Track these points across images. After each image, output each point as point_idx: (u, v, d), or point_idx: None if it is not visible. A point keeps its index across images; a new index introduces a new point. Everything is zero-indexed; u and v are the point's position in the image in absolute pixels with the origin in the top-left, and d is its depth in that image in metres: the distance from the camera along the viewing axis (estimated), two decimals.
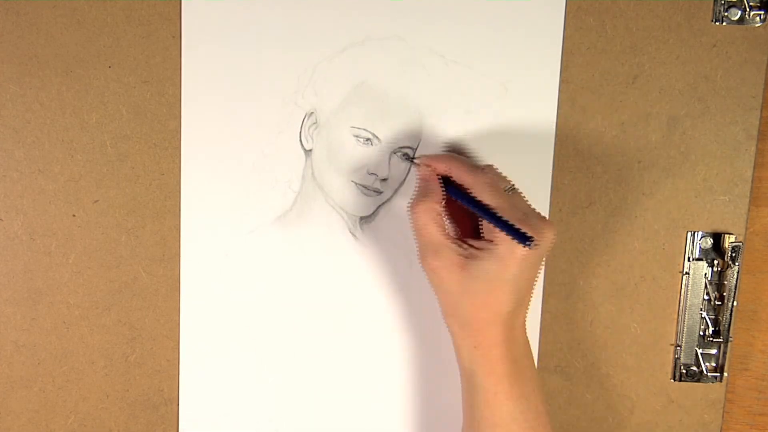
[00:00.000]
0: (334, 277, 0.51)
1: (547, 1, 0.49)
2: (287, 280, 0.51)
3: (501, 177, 0.46)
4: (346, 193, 0.51)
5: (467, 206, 0.46)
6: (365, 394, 0.53)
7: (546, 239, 0.43)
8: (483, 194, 0.44)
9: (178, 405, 0.52)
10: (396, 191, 0.51)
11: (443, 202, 0.46)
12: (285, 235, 0.51)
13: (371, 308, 0.52)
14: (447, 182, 0.47)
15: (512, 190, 0.45)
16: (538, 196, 0.51)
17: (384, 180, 0.50)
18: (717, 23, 0.50)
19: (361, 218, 0.51)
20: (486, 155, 0.50)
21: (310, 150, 0.50)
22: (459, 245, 0.45)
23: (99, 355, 0.52)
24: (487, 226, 0.45)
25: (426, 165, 0.48)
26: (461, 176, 0.46)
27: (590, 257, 0.52)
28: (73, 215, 0.50)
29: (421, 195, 0.46)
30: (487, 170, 0.46)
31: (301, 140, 0.50)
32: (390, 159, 0.50)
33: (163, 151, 0.50)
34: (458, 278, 0.44)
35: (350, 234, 0.51)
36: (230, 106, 0.49)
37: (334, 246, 0.51)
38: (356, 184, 0.50)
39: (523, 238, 0.41)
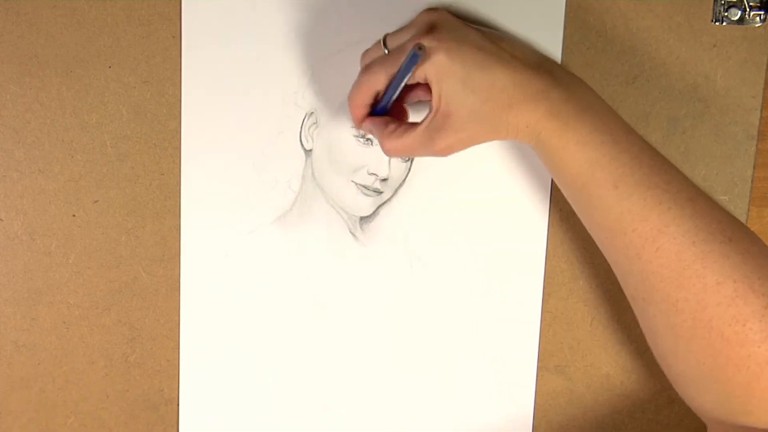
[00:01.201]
0: (334, 277, 0.51)
1: (547, 1, 0.49)
2: (287, 280, 0.51)
3: (371, 50, 0.46)
4: (346, 193, 0.51)
5: (394, 95, 0.44)
6: (365, 393, 0.53)
7: (434, 28, 0.42)
8: (375, 81, 0.43)
9: (178, 405, 0.52)
10: (396, 191, 0.51)
11: (395, 121, 0.45)
12: (285, 235, 0.51)
13: (371, 308, 0.52)
14: (377, 109, 0.46)
15: (385, 40, 0.44)
16: (539, 196, 0.51)
17: (384, 180, 0.50)
18: (717, 23, 0.50)
19: (361, 218, 0.51)
20: (486, 155, 0.50)
21: (310, 150, 0.50)
22: (428, 117, 0.43)
23: (99, 355, 0.52)
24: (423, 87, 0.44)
25: (359, 125, 0.46)
26: (363, 95, 0.45)
27: (590, 257, 0.52)
28: (73, 215, 0.50)
29: (379, 138, 0.45)
30: (364, 68, 0.45)
31: (301, 140, 0.50)
32: (390, 159, 0.50)
33: (163, 151, 0.50)
34: (458, 122, 0.42)
35: (350, 234, 0.51)
36: (230, 106, 0.49)
37: (334, 246, 0.51)
38: (356, 184, 0.50)
39: (412, 57, 0.40)
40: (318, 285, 0.52)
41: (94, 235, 0.50)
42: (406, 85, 0.43)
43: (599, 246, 0.44)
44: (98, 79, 0.49)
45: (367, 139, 0.50)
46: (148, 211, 0.50)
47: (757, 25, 0.50)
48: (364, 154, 0.50)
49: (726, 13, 0.49)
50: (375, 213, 0.51)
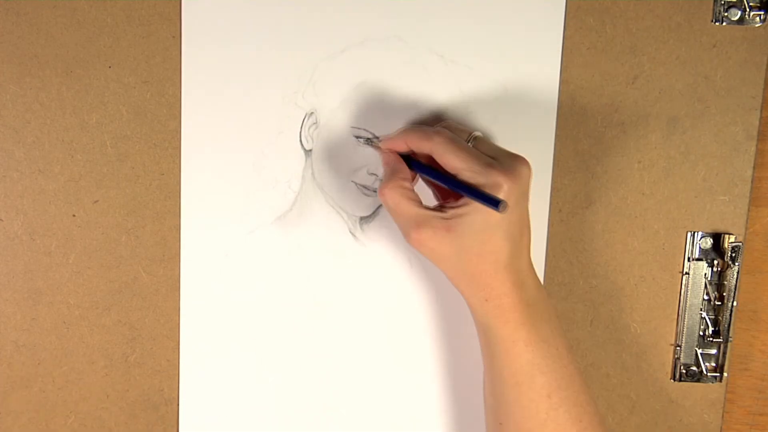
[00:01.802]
0: (334, 277, 0.51)
1: (547, 1, 0.49)
2: (287, 280, 0.51)
3: (459, 130, 0.46)
4: (346, 193, 0.51)
5: (434, 179, 0.45)
6: (365, 393, 0.53)
7: (521, 177, 0.42)
8: (443, 157, 0.43)
9: (178, 405, 0.52)
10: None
11: (411, 180, 0.45)
12: (285, 235, 0.51)
13: (371, 308, 0.52)
14: (411, 159, 0.47)
15: (475, 139, 0.45)
16: (538, 196, 0.51)
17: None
18: (717, 23, 0.50)
19: (361, 218, 0.51)
20: None
21: (310, 150, 0.50)
22: (438, 210, 0.44)
23: (99, 355, 0.52)
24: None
25: (386, 148, 0.47)
26: (420, 146, 0.45)
27: (590, 257, 0.52)
28: (73, 215, 0.50)
29: (387, 177, 0.45)
30: (441, 129, 0.45)
31: (301, 140, 0.50)
32: None
33: (163, 151, 0.50)
34: (448, 241, 0.43)
35: (350, 234, 0.51)
36: (230, 106, 0.49)
37: (334, 246, 0.51)
38: (356, 184, 0.50)
39: (493, 202, 0.40)
40: (318, 285, 0.52)
41: (94, 235, 0.50)
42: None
43: (500, 394, 0.46)
44: (98, 79, 0.49)
45: (368, 140, 0.50)
46: (148, 211, 0.50)
47: (757, 25, 0.50)
48: (364, 154, 0.50)
49: (726, 13, 0.49)
50: (375, 213, 0.51)
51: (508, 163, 0.43)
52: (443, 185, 0.45)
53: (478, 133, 0.45)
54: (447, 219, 0.43)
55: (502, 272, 0.43)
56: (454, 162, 0.43)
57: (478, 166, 0.42)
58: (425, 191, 0.49)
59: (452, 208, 0.43)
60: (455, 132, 0.46)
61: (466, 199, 0.43)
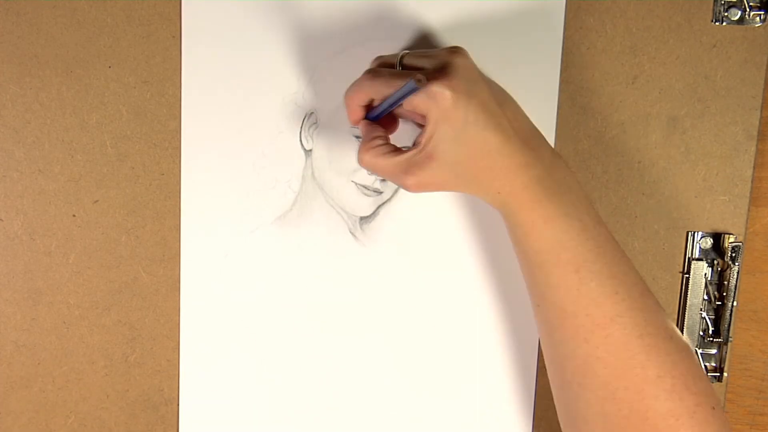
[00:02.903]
0: (333, 277, 0.51)
1: (547, 1, 0.49)
2: (287, 280, 0.51)
3: (388, 58, 0.46)
4: (346, 193, 0.51)
5: (385, 110, 0.45)
6: (365, 393, 0.53)
7: (453, 68, 0.41)
8: (378, 92, 0.43)
9: (178, 405, 0.52)
10: (396, 191, 0.51)
11: (384, 135, 0.45)
12: (285, 235, 0.51)
13: (371, 308, 0.52)
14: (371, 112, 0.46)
15: (402, 58, 0.44)
16: None
17: (384, 180, 0.50)
18: (717, 23, 0.50)
19: (361, 218, 0.51)
20: None
21: (310, 150, 0.50)
22: (413, 148, 0.43)
23: (99, 355, 0.52)
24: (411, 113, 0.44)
25: (351, 120, 0.47)
26: (359, 97, 0.45)
27: None
28: (73, 215, 0.50)
29: (360, 145, 0.45)
30: (368, 70, 0.45)
31: (301, 140, 0.50)
32: None
33: (163, 151, 0.50)
34: (436, 166, 0.42)
35: (350, 234, 0.51)
36: (230, 106, 0.49)
37: (334, 246, 0.51)
38: (356, 184, 0.50)
39: (411, 87, 0.39)
40: (318, 285, 0.52)
41: (94, 235, 0.50)
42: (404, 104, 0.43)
43: (542, 326, 0.45)
44: (98, 79, 0.49)
45: None
46: (148, 211, 0.50)
47: (757, 25, 0.50)
48: None
49: (726, 13, 0.49)
50: (375, 213, 0.51)
51: (437, 63, 0.42)
52: (389, 109, 0.44)
53: (404, 52, 0.45)
54: (423, 149, 0.42)
55: (499, 160, 0.42)
56: (386, 90, 0.43)
57: (404, 81, 0.41)
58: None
59: (420, 137, 0.43)
60: (384, 63, 0.45)
61: (426, 122, 0.42)
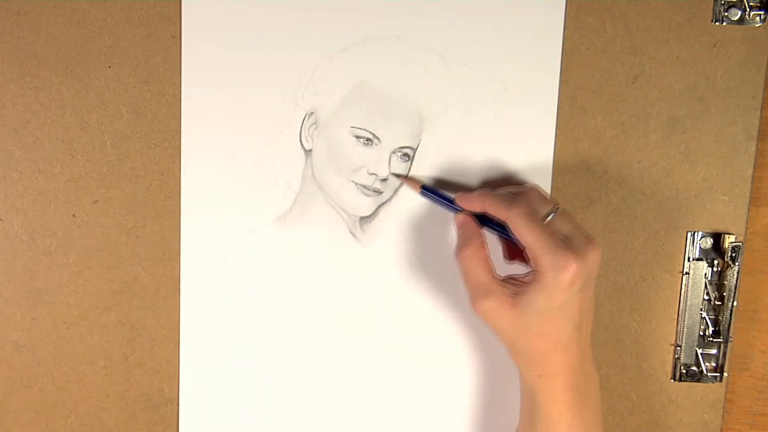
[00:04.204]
0: (334, 277, 0.51)
1: (547, 1, 0.49)
2: (287, 280, 0.51)
3: (540, 201, 0.45)
4: (346, 193, 0.51)
5: (504, 239, 0.47)
6: (365, 393, 0.53)
7: (589, 261, 0.43)
8: (518, 230, 0.44)
9: (178, 405, 0.52)
10: (396, 191, 0.51)
11: (485, 244, 0.47)
12: (285, 235, 0.51)
13: (371, 308, 0.52)
14: (484, 218, 0.48)
15: (554, 213, 0.44)
16: None
17: (384, 180, 0.50)
18: (717, 23, 0.50)
19: (361, 218, 0.51)
20: (486, 155, 0.50)
21: (310, 150, 0.50)
22: (506, 285, 0.45)
23: (99, 355, 0.52)
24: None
25: (462, 207, 0.48)
26: (497, 213, 0.46)
27: None
28: (73, 215, 0.50)
29: (463, 240, 0.47)
30: (521, 199, 0.45)
31: (301, 140, 0.50)
32: (390, 159, 0.50)
33: (163, 151, 0.50)
34: (510, 316, 0.44)
35: (350, 234, 0.51)
36: (230, 107, 0.49)
37: (334, 246, 0.51)
38: (356, 184, 0.50)
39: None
40: (318, 285, 0.51)
41: (94, 235, 0.50)
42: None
43: None
44: (98, 79, 0.49)
45: (367, 140, 0.50)
46: (148, 211, 0.50)
47: (757, 25, 0.50)
48: (364, 154, 0.50)
49: (726, 13, 0.49)
50: (375, 213, 0.51)
51: (580, 244, 0.43)
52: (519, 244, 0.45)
53: (560, 208, 0.45)
54: (513, 294, 0.44)
55: (560, 353, 0.44)
56: (527, 238, 0.43)
57: (549, 245, 0.43)
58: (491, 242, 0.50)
59: (520, 282, 0.45)
60: (537, 202, 0.45)
61: (530, 275, 0.44)
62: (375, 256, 0.51)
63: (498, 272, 0.47)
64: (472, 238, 0.47)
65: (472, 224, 0.48)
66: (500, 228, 0.47)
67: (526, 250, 0.44)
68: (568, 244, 0.43)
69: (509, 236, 0.46)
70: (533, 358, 0.45)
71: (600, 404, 0.47)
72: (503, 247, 0.50)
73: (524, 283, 0.45)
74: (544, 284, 0.43)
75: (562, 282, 0.42)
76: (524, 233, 0.43)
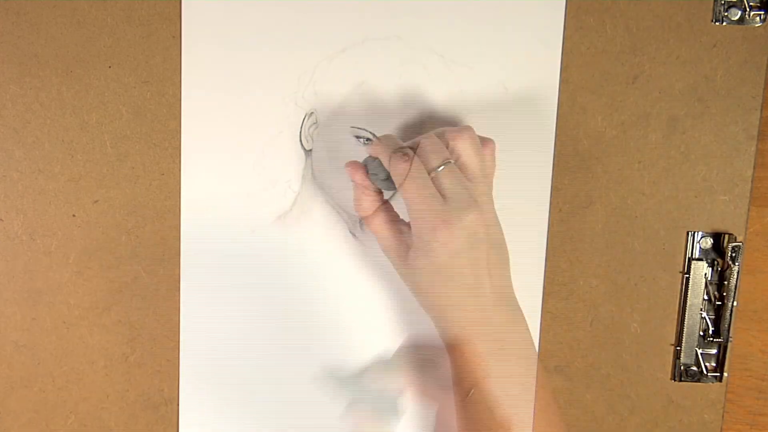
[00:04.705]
0: (334, 277, 0.51)
1: (547, 1, 0.49)
2: (287, 280, 0.51)
3: (434, 151, 0.44)
4: (346, 193, 0.51)
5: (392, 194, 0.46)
6: (365, 393, 0.53)
7: (459, 221, 0.42)
8: (398, 186, 0.44)
9: (178, 405, 0.52)
10: (396, 191, 0.51)
11: (383, 204, 0.47)
12: (285, 235, 0.51)
13: (371, 308, 0.52)
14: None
15: (443, 167, 0.43)
16: (539, 196, 0.51)
17: (385, 180, 0.50)
18: (717, 23, 0.50)
19: (361, 218, 0.51)
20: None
21: (310, 150, 0.50)
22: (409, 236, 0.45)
23: (99, 355, 0.52)
24: None
25: (353, 182, 0.47)
26: (385, 163, 0.45)
27: (590, 257, 0.52)
28: (73, 215, 0.50)
29: (360, 197, 0.47)
30: (409, 153, 0.44)
31: (301, 140, 0.50)
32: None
33: (163, 151, 0.50)
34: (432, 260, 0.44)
35: (350, 234, 0.51)
36: (230, 107, 0.49)
37: (334, 246, 0.51)
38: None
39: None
40: (318, 285, 0.51)
41: (94, 235, 0.50)
42: None
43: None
44: (98, 79, 0.49)
45: (367, 140, 0.50)
46: (148, 211, 0.50)
47: (757, 25, 0.50)
48: (364, 155, 0.50)
49: (726, 13, 0.49)
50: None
51: (457, 204, 0.42)
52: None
53: (449, 163, 0.44)
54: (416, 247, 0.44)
55: (456, 309, 0.44)
56: (403, 195, 0.44)
57: (420, 204, 0.43)
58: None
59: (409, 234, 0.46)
60: (431, 151, 0.44)
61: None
62: (375, 256, 0.51)
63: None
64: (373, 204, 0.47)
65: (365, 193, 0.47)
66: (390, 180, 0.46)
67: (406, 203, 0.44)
68: (444, 204, 0.42)
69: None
70: (436, 310, 0.45)
71: (528, 351, 0.45)
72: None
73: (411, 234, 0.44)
74: (418, 246, 0.43)
75: (433, 245, 0.42)
76: (402, 189, 0.43)
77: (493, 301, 0.44)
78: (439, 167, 0.43)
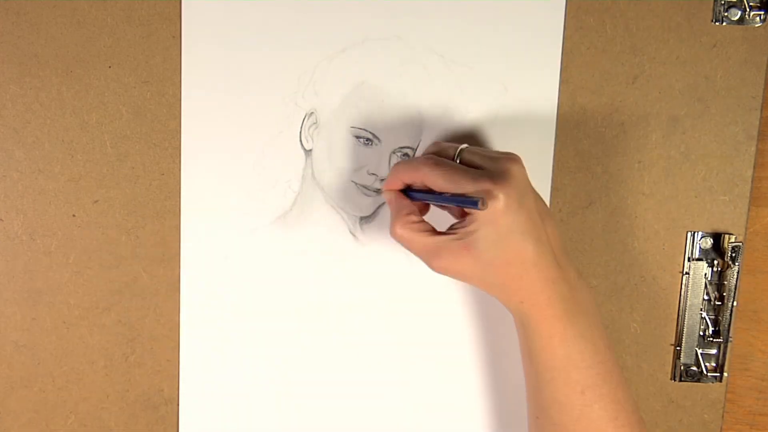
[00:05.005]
0: (333, 277, 0.51)
1: (547, 1, 0.49)
2: (287, 280, 0.51)
3: (446, 147, 0.46)
4: (346, 193, 0.51)
5: (434, 203, 0.46)
6: (365, 393, 0.53)
7: (511, 177, 0.42)
8: (433, 182, 0.44)
9: (178, 405, 0.52)
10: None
11: (418, 211, 0.46)
12: (285, 235, 0.51)
13: (371, 308, 0.52)
14: (411, 190, 0.47)
15: (461, 152, 0.45)
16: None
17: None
18: (717, 23, 0.50)
19: (361, 218, 0.51)
20: None
21: (310, 150, 0.50)
22: (450, 234, 0.44)
23: (99, 355, 0.52)
24: None
25: (384, 190, 0.47)
26: (412, 178, 0.45)
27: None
28: (73, 215, 0.50)
29: (393, 216, 0.46)
30: (427, 157, 0.45)
31: (301, 140, 0.50)
32: (390, 159, 0.50)
33: (163, 151, 0.50)
34: (469, 261, 0.43)
35: (350, 234, 0.51)
36: (230, 107, 0.49)
37: (334, 246, 0.51)
38: (356, 184, 0.50)
39: (473, 203, 0.41)
40: (318, 285, 0.52)
41: (94, 235, 0.50)
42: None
43: (536, 389, 0.46)
44: (98, 79, 0.49)
45: (368, 140, 0.50)
46: (148, 211, 0.50)
47: (757, 25, 0.50)
48: (364, 154, 0.50)
49: (726, 13, 0.49)
50: (375, 213, 0.51)
51: (496, 167, 0.43)
52: (441, 202, 0.45)
53: (463, 146, 0.45)
54: (461, 239, 0.43)
55: (532, 272, 0.43)
56: (441, 183, 0.43)
57: (463, 180, 0.42)
58: (443, 217, 0.49)
59: (462, 227, 0.43)
60: (442, 151, 0.46)
61: (471, 215, 0.43)
62: (375, 256, 0.51)
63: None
64: (400, 209, 0.46)
65: (397, 196, 0.46)
66: (425, 194, 0.46)
67: (445, 202, 0.44)
68: (485, 171, 0.43)
69: (436, 198, 0.45)
70: (509, 288, 0.44)
71: (595, 309, 0.45)
72: (450, 211, 0.49)
73: (466, 225, 0.43)
74: (481, 218, 0.42)
75: (497, 209, 0.42)
76: (440, 182, 0.43)
77: (557, 259, 0.44)
78: (457, 153, 0.45)
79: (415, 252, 0.45)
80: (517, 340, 0.52)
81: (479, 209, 0.40)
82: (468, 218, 0.43)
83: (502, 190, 0.42)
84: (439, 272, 0.44)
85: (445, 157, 0.45)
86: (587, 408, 0.43)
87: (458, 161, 0.45)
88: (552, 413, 0.44)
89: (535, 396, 0.46)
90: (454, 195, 0.43)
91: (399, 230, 0.45)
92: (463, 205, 0.42)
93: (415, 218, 0.45)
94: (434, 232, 0.44)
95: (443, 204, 0.46)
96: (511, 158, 0.44)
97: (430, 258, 0.44)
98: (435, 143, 0.48)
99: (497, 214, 0.42)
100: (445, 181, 0.43)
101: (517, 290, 0.43)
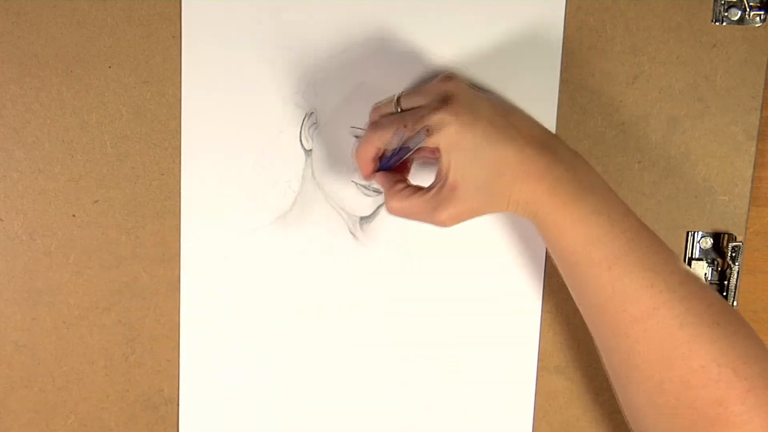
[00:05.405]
0: (333, 277, 0.51)
1: (547, 1, 0.49)
2: (287, 280, 0.51)
3: (384, 105, 0.46)
4: (346, 193, 0.51)
5: (399, 161, 0.45)
6: (365, 393, 0.53)
7: (449, 97, 0.42)
8: (384, 143, 0.44)
9: (178, 405, 0.52)
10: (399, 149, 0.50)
11: (403, 179, 0.46)
12: (285, 235, 0.51)
13: (371, 308, 0.52)
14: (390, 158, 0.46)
15: (398, 100, 0.45)
16: None
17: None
18: (717, 23, 0.50)
19: (361, 218, 0.51)
20: None
21: (310, 150, 0.50)
22: (435, 182, 0.43)
23: (99, 355, 0.52)
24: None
25: (365, 177, 0.47)
26: (369, 151, 0.45)
27: None
28: (73, 215, 0.50)
29: (385, 195, 0.45)
30: (370, 123, 0.45)
31: (301, 140, 0.50)
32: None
33: (163, 151, 0.50)
34: (463, 193, 0.42)
35: (350, 234, 0.51)
36: (230, 107, 0.49)
37: (333, 246, 0.51)
38: (356, 184, 0.50)
39: (421, 139, 0.41)
40: (318, 285, 0.52)
41: (94, 235, 0.50)
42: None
43: (586, 320, 0.45)
44: (98, 79, 0.49)
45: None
46: (148, 211, 0.50)
47: (757, 25, 0.50)
48: None
49: (726, 13, 0.49)
50: (375, 213, 0.51)
51: (434, 95, 0.43)
52: (410, 156, 0.45)
53: (399, 94, 0.45)
54: (445, 181, 0.43)
55: (520, 170, 0.42)
56: (395, 140, 0.43)
57: (410, 124, 0.42)
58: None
59: (440, 170, 0.43)
60: (382, 109, 0.46)
61: (439, 153, 0.43)
62: (375, 256, 0.51)
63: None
64: (386, 187, 0.45)
65: (379, 176, 0.46)
66: (389, 159, 0.45)
67: (401, 156, 0.44)
68: (425, 105, 0.43)
69: (398, 157, 0.45)
70: (510, 196, 0.42)
71: (602, 181, 0.43)
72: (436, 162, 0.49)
73: (440, 165, 0.43)
74: (446, 149, 0.42)
75: (451, 133, 0.41)
76: (394, 140, 0.43)
77: (540, 147, 0.42)
78: (396, 103, 0.45)
79: (417, 218, 0.44)
80: (517, 339, 0.52)
81: (426, 138, 0.40)
82: (439, 159, 0.43)
83: (447, 113, 0.41)
84: (450, 224, 0.43)
85: (387, 114, 0.45)
86: (618, 282, 0.41)
87: (399, 110, 0.45)
88: (587, 295, 0.43)
89: (570, 284, 0.45)
90: (405, 143, 0.43)
91: (392, 203, 0.44)
92: (417, 145, 0.42)
93: (401, 186, 0.45)
94: (424, 189, 0.44)
95: (411, 156, 0.45)
96: (446, 79, 0.43)
97: (432, 215, 0.43)
98: (373, 108, 0.47)
99: (456, 137, 0.41)
100: (395, 136, 0.43)
101: (516, 194, 0.42)
